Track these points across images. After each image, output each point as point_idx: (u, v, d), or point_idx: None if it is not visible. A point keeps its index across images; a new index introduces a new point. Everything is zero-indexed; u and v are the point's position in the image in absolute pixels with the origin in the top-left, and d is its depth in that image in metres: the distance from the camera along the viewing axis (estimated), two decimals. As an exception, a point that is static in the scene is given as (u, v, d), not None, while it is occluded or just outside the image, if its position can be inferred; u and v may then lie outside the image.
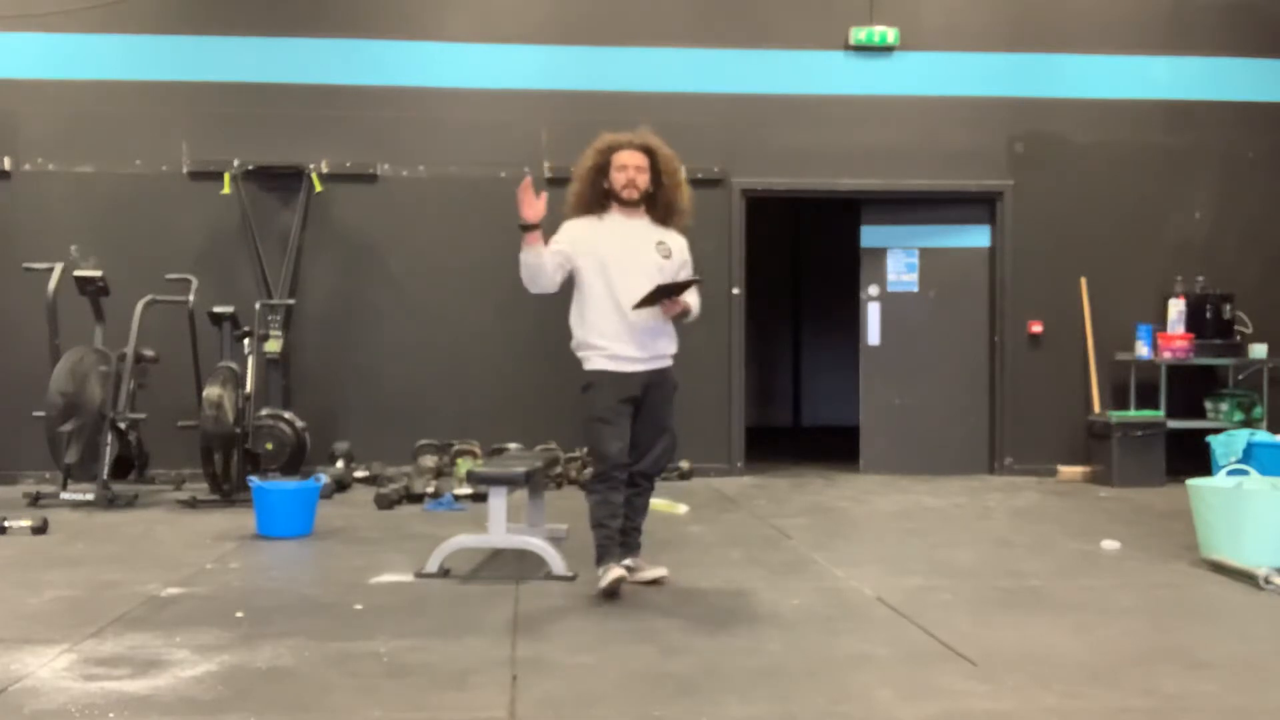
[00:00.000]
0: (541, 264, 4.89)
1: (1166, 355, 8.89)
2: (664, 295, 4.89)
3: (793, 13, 9.24)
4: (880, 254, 9.55)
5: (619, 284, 4.92)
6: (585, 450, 5.32)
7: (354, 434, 8.80)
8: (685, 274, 5.13)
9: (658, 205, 5.09)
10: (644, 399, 4.99)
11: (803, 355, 13.98)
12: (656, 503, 6.22)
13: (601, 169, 5.04)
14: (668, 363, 5.10)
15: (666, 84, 9.04)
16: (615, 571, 4.81)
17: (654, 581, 5.08)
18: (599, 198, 5.05)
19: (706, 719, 3.37)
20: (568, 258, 4.98)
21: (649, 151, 5.05)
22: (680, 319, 5.10)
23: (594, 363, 4.97)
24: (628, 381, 4.94)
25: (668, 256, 5.04)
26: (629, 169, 4.99)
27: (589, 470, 5.32)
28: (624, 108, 8.28)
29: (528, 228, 4.80)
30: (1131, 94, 9.39)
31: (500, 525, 5.31)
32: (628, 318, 4.92)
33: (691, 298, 5.09)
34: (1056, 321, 9.32)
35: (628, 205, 5.03)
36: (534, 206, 4.79)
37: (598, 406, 4.92)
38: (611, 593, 4.79)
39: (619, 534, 4.97)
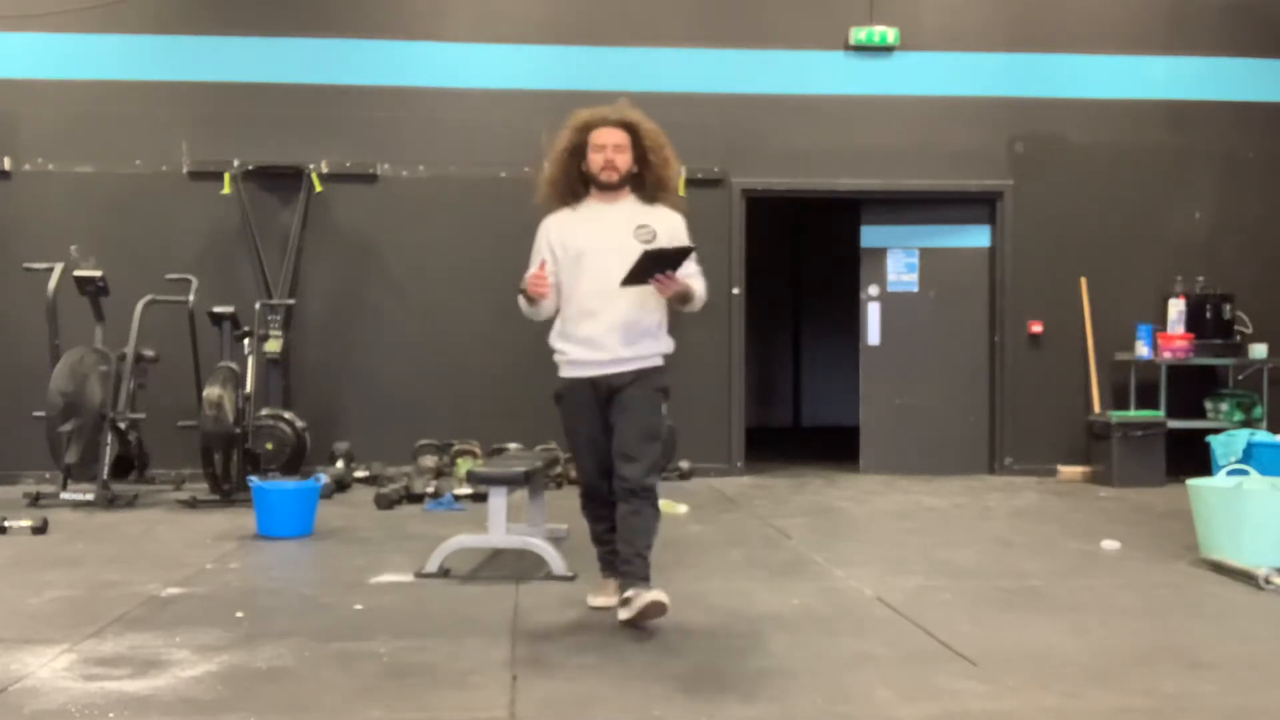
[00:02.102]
0: (542, 307, 4.57)
1: (1166, 355, 8.89)
2: (655, 267, 4.23)
3: (793, 13, 9.24)
4: (880, 254, 9.55)
5: (586, 278, 4.42)
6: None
7: (354, 434, 8.80)
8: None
9: (645, 185, 4.56)
10: (613, 402, 4.45)
11: (803, 355, 13.99)
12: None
13: (577, 150, 4.55)
14: (653, 363, 4.49)
15: (666, 84, 9.04)
16: (602, 597, 4.68)
17: (656, 602, 4.28)
18: (574, 183, 4.56)
19: (706, 719, 3.37)
20: (555, 272, 4.53)
21: (629, 128, 4.53)
22: (681, 304, 4.45)
23: (562, 370, 4.59)
24: (594, 387, 4.46)
25: (649, 241, 4.41)
26: (607, 149, 4.48)
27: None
28: (624, 108, 8.28)
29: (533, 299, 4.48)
30: (1131, 94, 9.39)
31: (500, 525, 5.31)
32: (599, 316, 4.41)
33: (696, 282, 4.48)
34: (1056, 321, 9.32)
35: (607, 189, 4.52)
36: (545, 288, 4.45)
37: (567, 422, 4.59)
38: (599, 609, 4.61)
39: (619, 563, 4.48)
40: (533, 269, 4.51)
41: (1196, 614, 4.69)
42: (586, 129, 4.55)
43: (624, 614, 4.32)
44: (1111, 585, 5.18)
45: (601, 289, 4.40)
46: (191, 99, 8.85)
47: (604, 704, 3.49)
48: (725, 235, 9.07)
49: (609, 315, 4.42)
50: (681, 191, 8.97)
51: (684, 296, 4.42)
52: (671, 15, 9.18)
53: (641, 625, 4.29)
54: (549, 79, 8.99)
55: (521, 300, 4.53)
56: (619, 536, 4.44)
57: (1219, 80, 9.43)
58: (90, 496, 7.36)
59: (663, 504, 7.16)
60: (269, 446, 8.02)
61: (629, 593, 4.32)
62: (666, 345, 4.57)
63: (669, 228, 4.53)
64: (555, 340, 4.59)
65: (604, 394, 4.47)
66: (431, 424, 8.79)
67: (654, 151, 4.54)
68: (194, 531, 6.50)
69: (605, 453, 4.49)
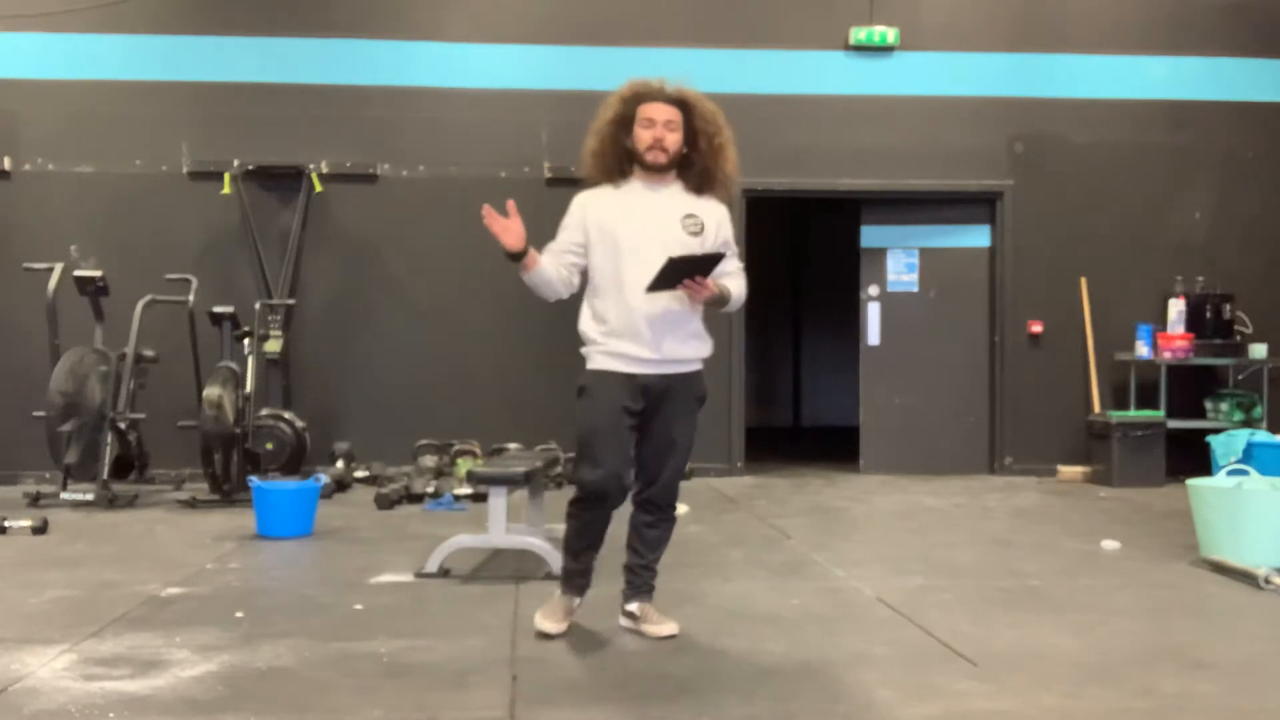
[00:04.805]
0: (547, 279, 4.12)
1: (1166, 355, 8.89)
2: (682, 273, 3.91)
3: (793, 13, 9.25)
4: (880, 254, 9.55)
5: (630, 269, 4.02)
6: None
7: (354, 434, 8.80)
8: (727, 253, 4.14)
9: (692, 171, 4.16)
10: (655, 409, 4.10)
11: (803, 355, 13.99)
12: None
13: (624, 122, 4.11)
14: (694, 366, 4.18)
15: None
16: (550, 622, 4.20)
17: (665, 638, 4.21)
18: (620, 159, 4.13)
19: (707, 719, 3.37)
20: (580, 251, 4.15)
21: (683, 104, 4.12)
22: (716, 307, 4.13)
23: (593, 361, 4.12)
24: (631, 385, 4.05)
25: (697, 233, 4.08)
26: (656, 125, 4.06)
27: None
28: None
29: (516, 257, 4.05)
30: (1131, 94, 9.39)
31: (500, 525, 5.31)
32: (640, 309, 4.03)
33: (734, 282, 4.16)
34: (1056, 321, 9.32)
35: (654, 170, 4.12)
36: (510, 230, 4.00)
37: (589, 416, 4.06)
38: (545, 636, 4.16)
39: (625, 570, 4.28)
40: (557, 241, 4.17)
41: (1196, 614, 4.69)
42: (636, 100, 4.12)
43: (626, 624, 4.31)
44: (1111, 585, 5.18)
45: (642, 281, 3.97)
46: (191, 99, 8.85)
47: (604, 704, 3.49)
48: (725, 235, 9.05)
49: (650, 309, 4.03)
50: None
51: (718, 301, 4.10)
52: (671, 15, 9.18)
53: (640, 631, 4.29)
54: (549, 79, 8.99)
55: (524, 276, 4.14)
56: (630, 543, 4.27)
57: (1219, 80, 9.43)
58: (90, 496, 7.36)
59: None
60: (269, 446, 8.02)
61: (633, 605, 4.28)
62: (708, 347, 4.24)
63: (716, 221, 4.19)
64: (589, 328, 4.15)
65: (639, 394, 4.06)
66: (431, 424, 8.79)
67: (706, 136, 4.13)
68: (194, 531, 6.50)
69: (626, 457, 4.09)
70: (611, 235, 4.08)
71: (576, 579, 4.27)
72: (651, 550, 4.29)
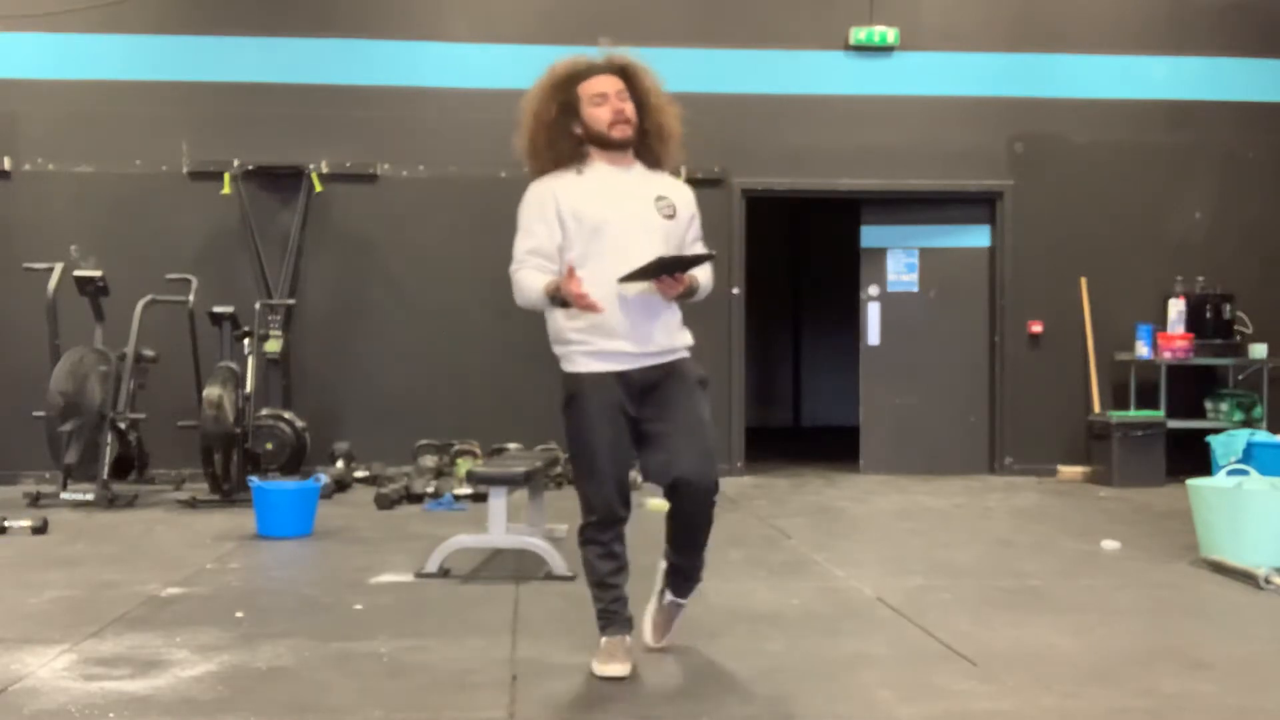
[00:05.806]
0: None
1: (1166, 355, 8.90)
2: (664, 270, 3.63)
3: (793, 13, 9.25)
4: (880, 254, 9.55)
5: (612, 258, 3.66)
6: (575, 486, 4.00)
7: (354, 434, 8.80)
8: (694, 233, 3.91)
9: (648, 143, 3.87)
10: (656, 396, 3.74)
11: (803, 355, 13.99)
12: (655, 503, 6.09)
13: (569, 108, 3.79)
14: (683, 354, 3.84)
15: (666, 84, 9.01)
16: (615, 664, 3.72)
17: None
18: (574, 148, 3.81)
19: (707, 719, 3.37)
20: (563, 249, 3.75)
21: (623, 72, 3.85)
22: (685, 298, 3.80)
23: (575, 363, 3.76)
24: (624, 385, 3.72)
25: (671, 215, 3.80)
26: (610, 98, 3.76)
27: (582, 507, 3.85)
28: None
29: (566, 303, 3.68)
30: (1131, 94, 9.39)
31: (500, 525, 5.32)
32: (625, 301, 3.69)
33: (701, 272, 3.83)
34: (1056, 321, 9.32)
35: (615, 149, 3.80)
36: (597, 305, 3.60)
37: (587, 429, 3.71)
38: (618, 679, 3.69)
39: (668, 567, 3.95)
40: (534, 240, 3.77)
41: (1196, 614, 4.69)
42: (573, 81, 3.81)
43: (653, 606, 4.08)
44: (1111, 585, 5.18)
45: (627, 269, 3.63)
46: (191, 99, 8.85)
47: (604, 704, 3.49)
48: (725, 235, 9.05)
49: (634, 301, 3.70)
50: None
51: (689, 293, 3.79)
52: (671, 15, 9.18)
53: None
54: (549, 79, 8.96)
55: (534, 292, 3.74)
56: (684, 544, 3.86)
57: (1219, 80, 9.43)
58: (90, 496, 7.36)
59: (660, 504, 7.16)
60: (269, 446, 8.02)
61: (669, 597, 4.01)
62: (689, 335, 3.92)
63: (684, 201, 3.90)
64: (565, 327, 3.77)
65: (634, 394, 3.73)
66: (431, 424, 8.79)
67: (655, 94, 3.89)
68: (194, 531, 6.50)
69: (628, 468, 3.77)
70: (591, 222, 3.71)
71: (620, 612, 3.80)
72: (705, 547, 3.89)
